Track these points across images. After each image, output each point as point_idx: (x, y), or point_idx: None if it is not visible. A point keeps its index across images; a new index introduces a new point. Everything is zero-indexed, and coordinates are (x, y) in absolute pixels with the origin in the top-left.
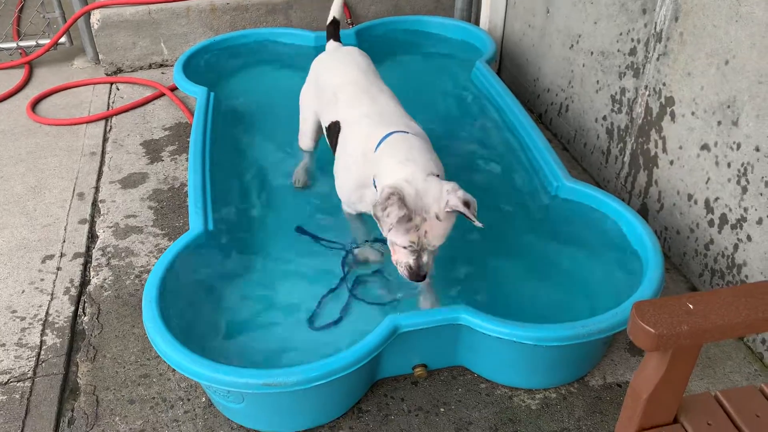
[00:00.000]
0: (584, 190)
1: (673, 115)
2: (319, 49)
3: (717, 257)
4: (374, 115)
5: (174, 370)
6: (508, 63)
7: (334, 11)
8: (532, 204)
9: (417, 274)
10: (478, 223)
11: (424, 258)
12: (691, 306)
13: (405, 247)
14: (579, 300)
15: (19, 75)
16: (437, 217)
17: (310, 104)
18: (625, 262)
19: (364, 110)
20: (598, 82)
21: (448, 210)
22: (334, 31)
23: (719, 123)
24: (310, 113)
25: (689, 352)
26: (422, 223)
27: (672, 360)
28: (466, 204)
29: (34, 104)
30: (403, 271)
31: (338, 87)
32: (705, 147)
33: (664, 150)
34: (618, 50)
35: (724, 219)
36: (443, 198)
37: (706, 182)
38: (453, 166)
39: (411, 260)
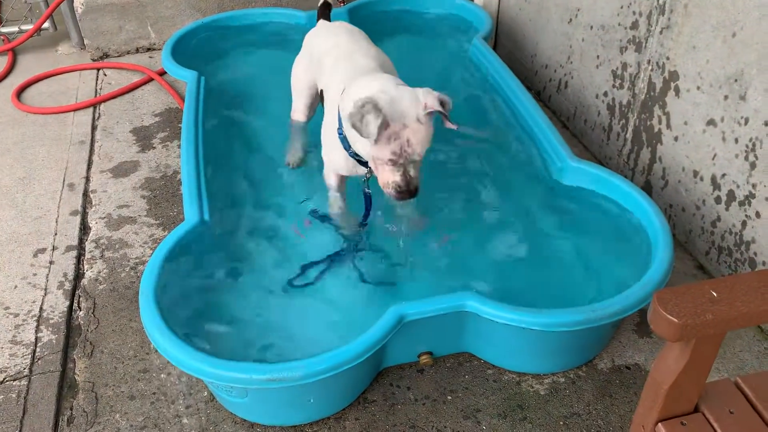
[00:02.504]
0: (588, 169)
1: (677, 90)
2: (312, 28)
3: (724, 235)
4: (351, 77)
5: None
6: (504, 39)
7: None
8: (536, 185)
9: (407, 190)
10: (451, 125)
11: (411, 172)
12: (714, 293)
13: (390, 161)
14: (586, 282)
15: (2, 63)
16: (418, 120)
17: (301, 77)
18: (632, 243)
19: (342, 74)
20: (598, 57)
21: (428, 112)
22: (324, 12)
23: (726, 97)
24: (303, 86)
25: (713, 341)
26: (403, 130)
27: (695, 349)
28: (442, 103)
29: (19, 92)
30: (391, 192)
31: (324, 53)
32: (711, 122)
33: (668, 126)
34: (619, 24)
35: (731, 195)
36: (420, 100)
37: (713, 158)
38: (453, 148)
39: (398, 177)
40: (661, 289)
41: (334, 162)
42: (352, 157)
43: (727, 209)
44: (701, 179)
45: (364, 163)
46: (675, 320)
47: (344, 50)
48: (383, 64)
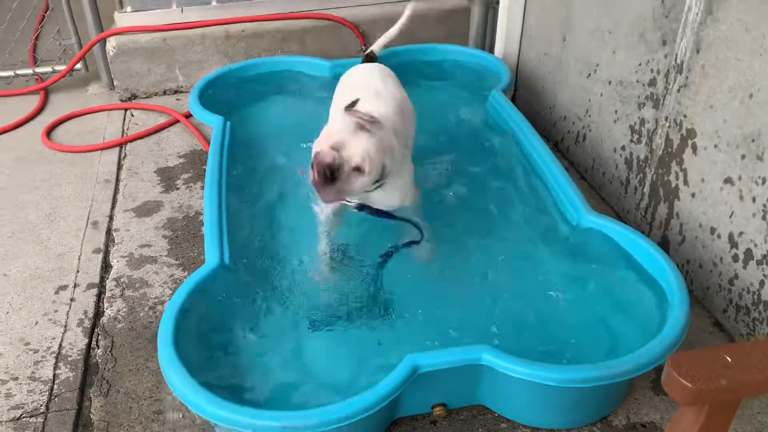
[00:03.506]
0: (605, 223)
1: (694, 148)
2: (335, 77)
3: (742, 293)
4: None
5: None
6: (523, 90)
7: (376, 47)
8: (552, 236)
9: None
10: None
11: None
12: (729, 359)
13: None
14: (601, 337)
15: (34, 101)
16: None
17: (336, 103)
18: (648, 299)
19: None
20: (616, 111)
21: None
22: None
23: (743, 157)
24: (335, 112)
25: (727, 407)
26: None
27: (709, 415)
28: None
29: (49, 131)
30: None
31: (353, 86)
32: (728, 180)
33: (686, 182)
34: (637, 80)
35: (749, 254)
36: None
37: (730, 216)
38: (469, 195)
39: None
40: (676, 349)
41: None
42: None
43: (744, 267)
44: (719, 236)
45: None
46: (688, 385)
47: (359, 88)
48: (401, 109)
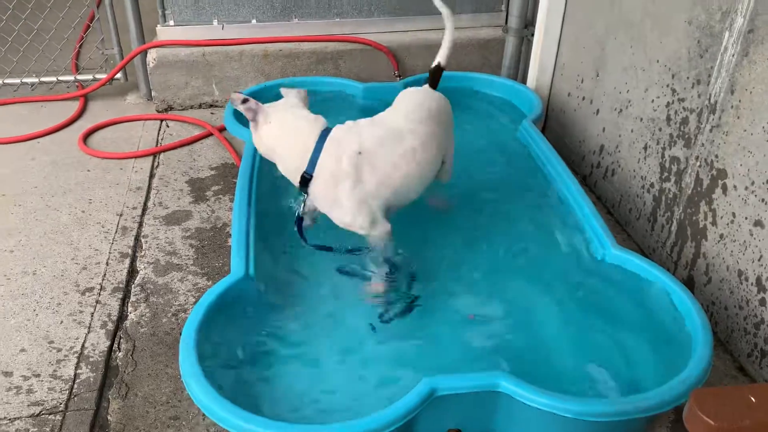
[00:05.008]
0: (631, 258)
1: (725, 188)
2: (367, 99)
3: None
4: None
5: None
6: (553, 122)
7: (443, 59)
8: (576, 269)
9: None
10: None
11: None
12: (753, 399)
13: None
14: (621, 372)
15: (74, 107)
16: None
17: None
18: (671, 337)
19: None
20: (646, 148)
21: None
22: (435, 76)
23: None
24: None
25: None
26: None
27: None
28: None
29: (86, 137)
30: None
31: (408, 112)
32: (758, 223)
33: (714, 223)
34: (669, 119)
35: None
36: None
37: (759, 260)
38: (495, 226)
39: None
40: (699, 387)
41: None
42: None
43: None
44: (746, 279)
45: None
46: (711, 422)
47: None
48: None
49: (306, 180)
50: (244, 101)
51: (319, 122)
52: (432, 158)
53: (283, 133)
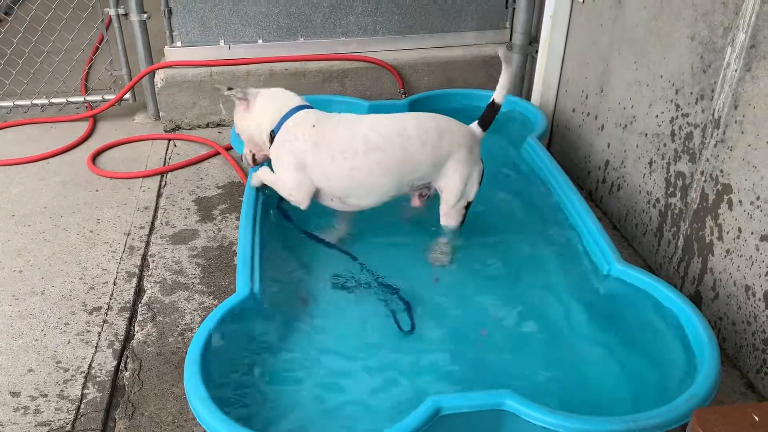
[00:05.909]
0: (637, 275)
1: (730, 203)
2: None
3: None
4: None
5: None
6: (558, 138)
7: (500, 97)
8: (581, 285)
9: None
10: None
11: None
12: (756, 418)
13: None
14: (626, 390)
15: (83, 127)
16: None
17: None
18: (678, 354)
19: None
20: (651, 164)
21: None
22: (491, 113)
23: None
24: None
25: None
26: None
27: None
28: None
29: (95, 156)
30: None
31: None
32: (765, 238)
33: (720, 238)
34: (673, 134)
35: None
36: None
37: (766, 275)
38: (500, 242)
39: None
40: (703, 406)
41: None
42: None
43: None
44: (753, 294)
45: None
46: None
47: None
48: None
49: (272, 137)
50: (229, 89)
51: (297, 98)
52: (381, 170)
53: (267, 101)
